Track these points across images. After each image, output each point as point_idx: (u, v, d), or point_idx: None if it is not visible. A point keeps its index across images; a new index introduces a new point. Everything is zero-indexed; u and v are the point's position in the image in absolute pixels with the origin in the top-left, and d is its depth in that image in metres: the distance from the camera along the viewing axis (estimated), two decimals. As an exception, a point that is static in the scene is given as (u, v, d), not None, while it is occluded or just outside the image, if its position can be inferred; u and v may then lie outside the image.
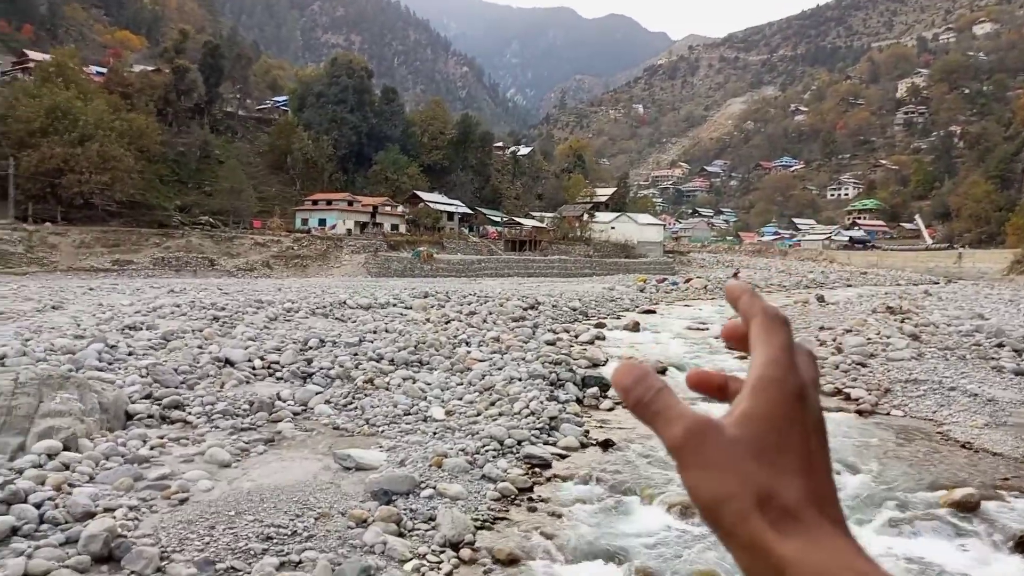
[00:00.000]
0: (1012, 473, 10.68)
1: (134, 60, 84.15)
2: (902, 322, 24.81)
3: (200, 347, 15.56)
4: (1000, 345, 19.46)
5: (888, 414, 14.13)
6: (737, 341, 0.55)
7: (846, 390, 15.73)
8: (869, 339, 21.19)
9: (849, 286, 60.25)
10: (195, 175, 67.59)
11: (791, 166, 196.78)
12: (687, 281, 56.21)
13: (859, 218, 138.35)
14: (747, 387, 0.48)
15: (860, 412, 14.15)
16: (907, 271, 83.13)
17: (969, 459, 11.32)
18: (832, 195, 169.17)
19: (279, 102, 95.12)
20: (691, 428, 0.45)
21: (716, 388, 0.55)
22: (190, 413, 11.62)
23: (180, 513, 7.83)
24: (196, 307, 21.52)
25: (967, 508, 8.93)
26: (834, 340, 21.54)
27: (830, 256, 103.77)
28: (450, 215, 78.90)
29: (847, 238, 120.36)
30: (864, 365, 17.75)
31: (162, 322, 18.41)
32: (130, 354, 14.61)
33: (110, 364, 13.71)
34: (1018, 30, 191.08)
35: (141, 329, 17.23)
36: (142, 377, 12.81)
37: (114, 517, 7.43)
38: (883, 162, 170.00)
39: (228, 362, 14.45)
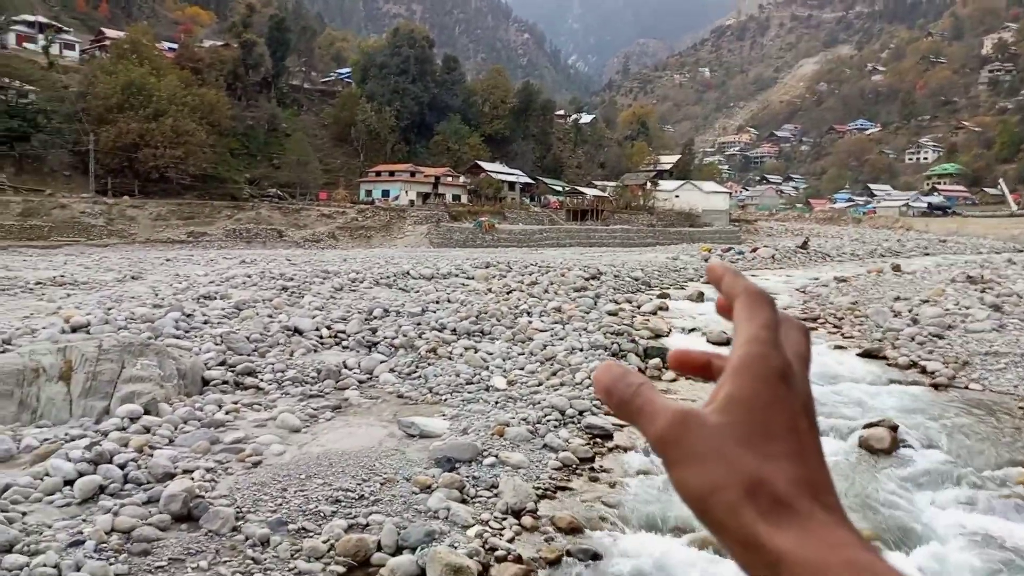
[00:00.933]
0: (1101, 451, 10.15)
1: (204, 35, 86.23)
2: (983, 292, 23.68)
3: (270, 316, 16.04)
4: (1091, 317, 18.40)
5: (966, 388, 13.57)
6: (692, 368, 0.55)
7: (922, 363, 15.17)
8: (947, 310, 20.32)
9: (927, 255, 57.80)
10: (263, 148, 69.19)
11: (867, 129, 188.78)
12: (754, 250, 54.86)
13: (938, 183, 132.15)
14: (729, 368, 0.47)
15: (936, 386, 13.64)
16: (989, 239, 79.16)
17: (1054, 436, 10.81)
18: (910, 159, 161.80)
19: (342, 74, 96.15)
20: (672, 420, 0.44)
21: (700, 367, 0.54)
22: (262, 380, 12.03)
23: (254, 476, 8.15)
24: (266, 277, 22.16)
25: (1051, 487, 8.55)
26: (910, 311, 20.75)
27: (907, 223, 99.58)
28: (511, 185, 78.80)
29: (925, 204, 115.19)
30: (941, 337, 17.07)
31: (234, 292, 19.03)
32: (205, 322, 15.18)
33: (187, 332, 14.28)
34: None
35: (215, 298, 17.86)
36: (216, 345, 13.29)
37: (192, 478, 7.79)
38: (965, 124, 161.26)
39: (297, 331, 14.86)
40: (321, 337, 14.85)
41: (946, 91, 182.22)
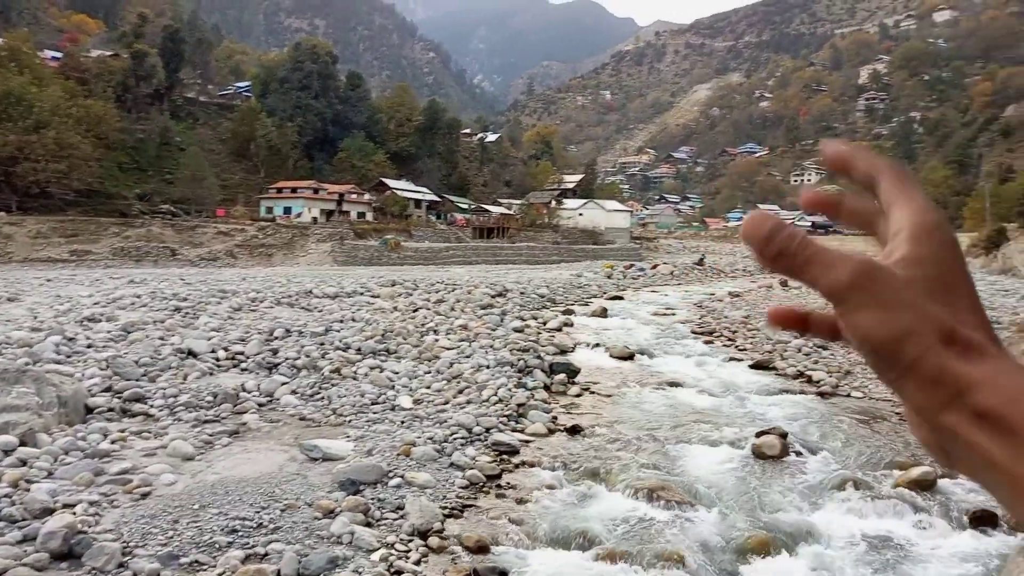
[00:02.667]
0: (966, 451, 10.98)
1: (91, 45, 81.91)
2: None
3: (162, 338, 15.28)
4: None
5: (848, 395, 14.43)
6: (791, 322, 0.52)
7: (808, 372, 16.03)
8: (831, 322, 21.56)
9: (812, 270, 61.16)
10: (155, 163, 66.21)
11: (756, 152, 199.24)
12: (654, 267, 56.69)
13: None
14: (903, 235, 0.46)
15: (821, 394, 14.44)
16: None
17: (926, 438, 11.61)
18: (796, 181, 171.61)
19: (241, 88, 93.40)
20: (859, 269, 0.43)
21: (798, 320, 0.53)
22: (152, 406, 11.42)
23: (143, 507, 7.70)
24: (157, 298, 21.12)
25: (924, 486, 9.17)
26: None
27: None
28: (417, 203, 78.42)
29: (810, 224, 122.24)
30: (825, 348, 18.09)
31: (122, 313, 18.04)
32: (89, 346, 14.30)
33: (68, 357, 13.40)
34: (976, 17, 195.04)
35: (100, 321, 16.87)
36: (102, 370, 12.54)
37: (74, 513, 7.29)
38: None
39: (191, 353, 14.21)
40: (218, 359, 14.26)
41: (827, 117, 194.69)
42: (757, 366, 17.22)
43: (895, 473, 9.69)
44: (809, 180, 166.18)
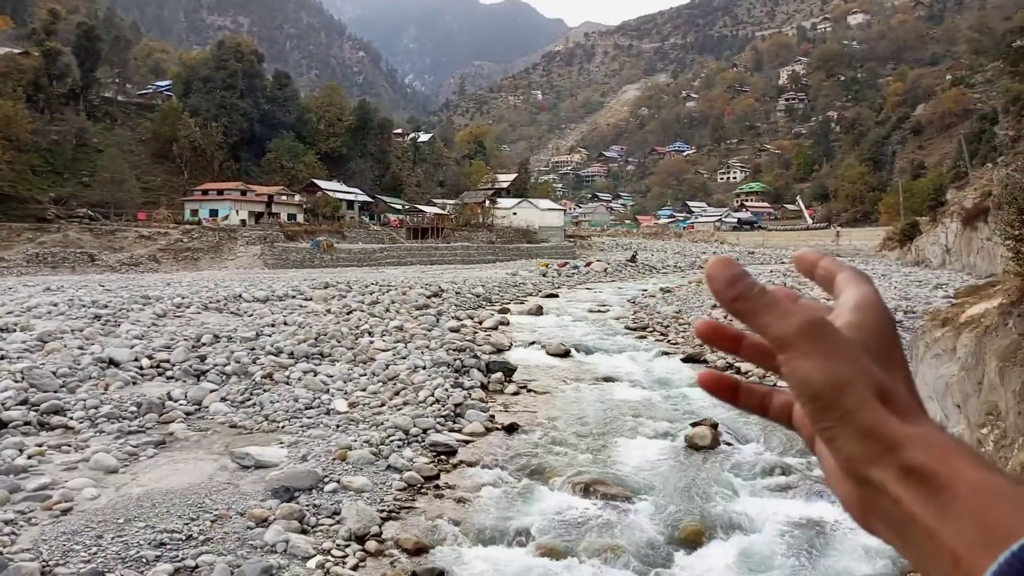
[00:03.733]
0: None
1: (-3, 41, 77.70)
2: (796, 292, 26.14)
3: (81, 348, 14.65)
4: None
5: (775, 386, 14.87)
6: (723, 340, 0.55)
7: (737, 364, 16.50)
8: (758, 315, 22.25)
9: (739, 265, 62.95)
10: (71, 165, 63.32)
11: (684, 151, 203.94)
12: (588, 265, 57.37)
13: (746, 200, 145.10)
14: (848, 305, 0.48)
15: (750, 385, 14.88)
16: (790, 249, 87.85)
17: (847, 424, 12.11)
18: (722, 178, 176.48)
19: (162, 87, 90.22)
20: (811, 319, 0.45)
21: (730, 339, 0.54)
22: (72, 418, 10.93)
23: (63, 524, 7.37)
24: (75, 305, 20.22)
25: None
26: (726, 317, 22.47)
27: (721, 237, 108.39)
28: (350, 204, 77.32)
29: (736, 220, 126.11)
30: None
31: (38, 322, 17.20)
32: (2, 358, 13.57)
33: (-21, 370, 12.70)
34: (887, 20, 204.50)
35: (14, 330, 16.03)
36: (16, 382, 11.92)
37: (-13, 534, 6.92)
38: (767, 147, 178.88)
39: (112, 362, 13.66)
40: (141, 368, 13.76)
41: (750, 117, 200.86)
42: (689, 359, 17.62)
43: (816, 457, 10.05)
44: (734, 178, 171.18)
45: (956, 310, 12.71)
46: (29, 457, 9.21)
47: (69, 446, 9.84)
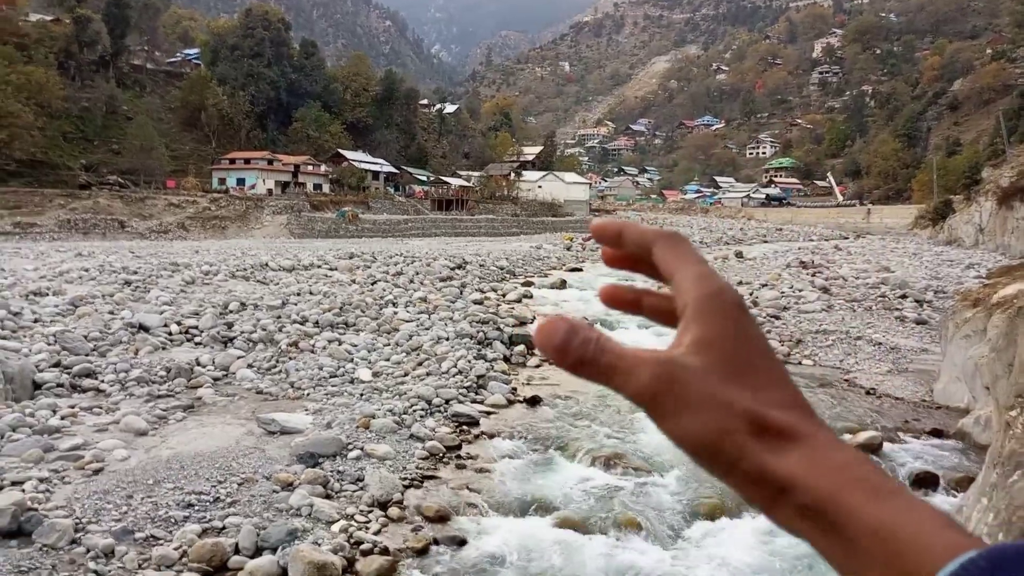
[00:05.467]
0: (912, 416, 11.41)
1: (30, 8, 78.31)
2: (813, 276, 25.90)
3: (112, 313, 14.93)
4: (904, 296, 20.61)
5: (799, 363, 14.81)
6: (623, 304, 0.51)
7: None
8: (783, 292, 22.06)
9: (766, 242, 62.39)
10: (102, 132, 63.95)
11: (712, 125, 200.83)
12: (612, 239, 56.97)
13: (775, 176, 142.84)
14: (689, 311, 0.44)
15: (774, 363, 14.78)
16: (819, 227, 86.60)
17: (872, 404, 12.03)
18: (751, 153, 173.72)
19: (190, 55, 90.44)
20: (657, 373, 0.41)
21: (629, 302, 0.52)
22: (103, 381, 11.19)
23: (95, 483, 7.58)
24: (106, 271, 20.58)
25: (870, 449, 9.51)
26: (751, 294, 22.33)
27: (748, 213, 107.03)
28: (375, 174, 77.41)
29: (764, 196, 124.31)
30: (778, 317, 18.51)
31: (70, 287, 17.55)
32: (36, 321, 13.90)
33: (14, 332, 13.02)
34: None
35: (47, 295, 16.39)
36: (49, 345, 12.22)
37: (23, 490, 7.13)
38: (799, 121, 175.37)
39: (142, 328, 13.92)
40: (170, 333, 14.01)
41: (782, 91, 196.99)
42: (712, 336, 17.52)
43: (843, 437, 9.98)
44: (764, 153, 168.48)
45: (988, 291, 12.46)
46: (62, 418, 9.46)
47: (100, 408, 10.08)
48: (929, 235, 56.76)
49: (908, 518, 0.37)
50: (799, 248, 46.36)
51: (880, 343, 15.63)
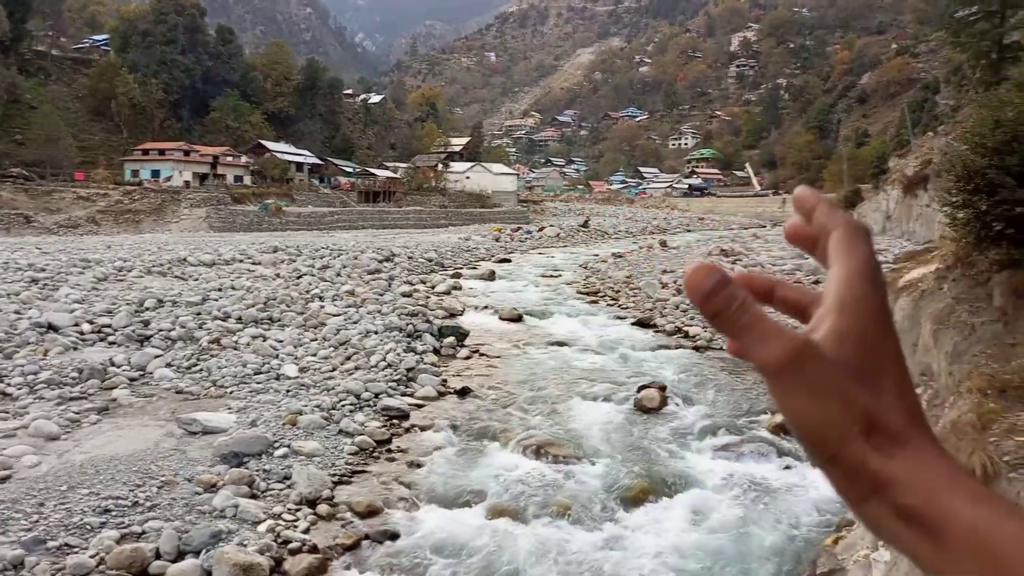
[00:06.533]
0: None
1: (-84, -12, 72.98)
2: (734, 263, 26.75)
3: (17, 312, 14.13)
4: (817, 282, 21.44)
5: (722, 348, 15.20)
6: (803, 241, 0.50)
7: (685, 328, 16.82)
8: (706, 280, 22.66)
9: (689, 231, 64.03)
10: (3, 122, 60.35)
11: (636, 116, 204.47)
12: (541, 230, 57.49)
13: (697, 167, 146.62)
14: (833, 302, 0.45)
15: (697, 348, 15.21)
16: (739, 216, 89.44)
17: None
18: (674, 144, 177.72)
19: (99, 41, 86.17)
20: (790, 349, 0.42)
21: (762, 292, 0.51)
22: (9, 384, 10.58)
23: (2, 492, 7.17)
24: (11, 268, 19.46)
25: (787, 430, 9.88)
26: (675, 282, 22.87)
27: (672, 203, 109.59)
28: (299, 166, 75.61)
29: (687, 186, 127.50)
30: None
31: (-31, 287, 16.52)
32: (-69, 323, 13.03)
33: (-94, 336, 12.17)
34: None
35: (-57, 295, 15.38)
36: (-53, 348, 11.48)
37: (-80, 504, 6.70)
38: (718, 113, 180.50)
39: (51, 327, 13.24)
40: (82, 333, 13.37)
41: (702, 83, 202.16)
42: (639, 324, 17.89)
43: (763, 419, 10.38)
44: (685, 144, 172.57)
45: (895, 275, 13.13)
46: (-36, 425, 8.91)
47: (7, 413, 9.55)
48: (841, 223, 59.20)
49: (1007, 521, 0.38)
50: (720, 237, 47.76)
51: (797, 326, 16.23)
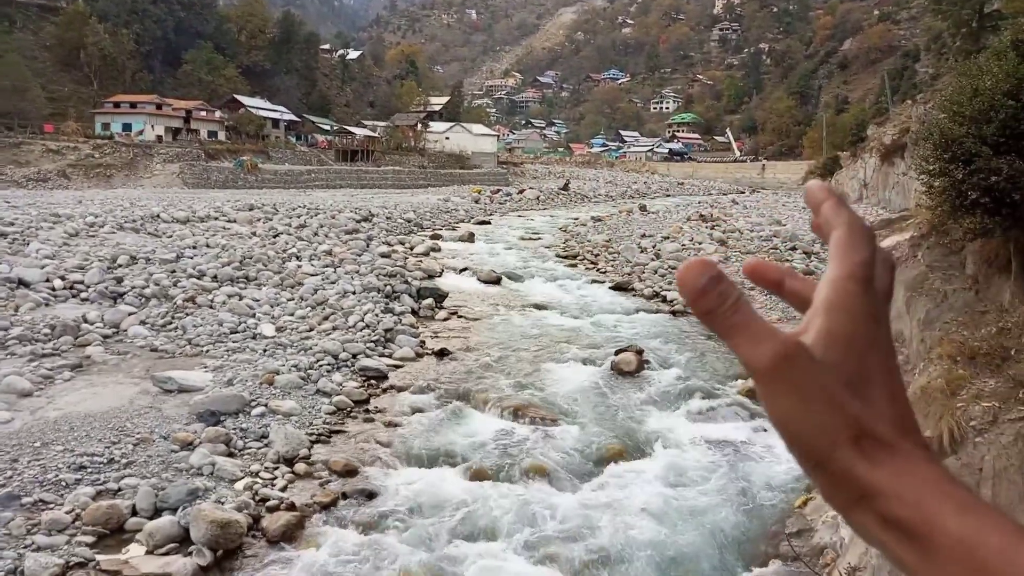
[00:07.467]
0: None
1: None
2: (712, 229, 26.87)
3: (-14, 267, 13.84)
4: (793, 248, 21.70)
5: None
6: (765, 282, 0.50)
7: (663, 293, 16.93)
8: (683, 245, 22.79)
9: (668, 196, 64.05)
10: (-35, 70, 58.29)
11: (618, 79, 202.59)
12: (520, 192, 57.19)
13: (678, 131, 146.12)
14: (822, 303, 0.44)
15: (674, 312, 15.33)
16: (718, 181, 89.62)
17: (764, 350, 12.66)
18: (655, 108, 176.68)
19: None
20: (780, 352, 0.41)
21: (772, 282, 0.51)
22: (-22, 341, 10.42)
23: (-27, 450, 7.11)
24: (-22, 222, 18.99)
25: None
26: (653, 247, 22.96)
27: (652, 167, 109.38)
28: (275, 122, 74.16)
29: (667, 150, 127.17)
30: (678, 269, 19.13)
31: (-65, 240, 16.13)
32: None
33: None
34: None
35: (-92, 249, 15.01)
36: (-86, 303, 11.25)
37: None
38: (700, 77, 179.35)
39: (22, 283, 13.00)
40: (54, 289, 13.15)
41: (684, 46, 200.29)
42: (617, 287, 17.97)
43: (737, 383, 10.54)
44: (667, 108, 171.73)
45: (870, 243, 13.24)
46: (-67, 381, 8.78)
47: (-23, 370, 9.41)
48: (818, 190, 59.52)
49: (994, 532, 0.37)
50: (699, 202, 47.86)
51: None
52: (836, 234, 0.46)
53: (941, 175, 7.08)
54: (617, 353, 11.43)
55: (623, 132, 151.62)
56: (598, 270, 20.66)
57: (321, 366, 10.39)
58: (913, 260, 8.97)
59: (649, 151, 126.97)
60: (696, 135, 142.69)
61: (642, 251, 22.50)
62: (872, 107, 75.28)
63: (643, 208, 40.96)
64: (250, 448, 7.78)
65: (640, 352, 11.43)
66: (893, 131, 29.50)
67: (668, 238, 24.73)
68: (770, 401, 0.42)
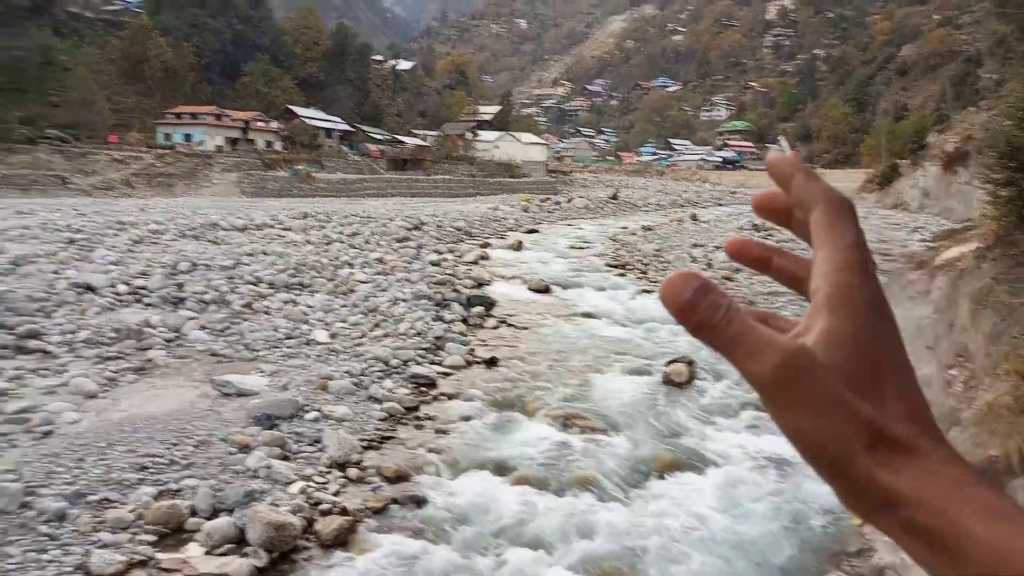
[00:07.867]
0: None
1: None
2: (764, 239, 26.37)
3: (56, 272, 14.44)
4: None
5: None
6: (774, 213, 0.47)
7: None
8: (736, 255, 22.44)
9: (720, 205, 63.24)
10: (37, 84, 60.97)
11: (668, 87, 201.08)
12: (569, 201, 57.15)
13: (729, 139, 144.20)
14: (822, 299, 0.42)
15: (726, 323, 15.09)
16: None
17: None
18: (706, 116, 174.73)
19: (131, 3, 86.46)
20: (782, 362, 0.39)
21: (756, 259, 0.49)
22: (49, 342, 10.85)
23: (44, 447, 7.41)
24: (49, 229, 19.84)
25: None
26: (705, 256, 22.68)
27: (703, 176, 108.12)
28: (328, 132, 75.67)
29: (719, 159, 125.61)
30: (731, 279, 18.88)
31: (11, 245, 16.87)
32: (-27, 281, 13.36)
33: (-50, 293, 12.50)
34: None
35: (-15, 254, 15.73)
36: (-10, 306, 11.77)
37: (-32, 456, 6.94)
38: (752, 84, 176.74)
39: (89, 288, 13.51)
40: (118, 294, 13.63)
41: (736, 53, 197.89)
42: (667, 297, 17.77)
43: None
44: (718, 115, 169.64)
45: (932, 253, 12.87)
46: (8, 381, 9.18)
47: (47, 370, 9.81)
48: (876, 199, 58.17)
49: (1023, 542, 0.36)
50: (752, 211, 47.01)
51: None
52: (817, 213, 0.44)
53: (1008, 184, 6.86)
54: (668, 364, 11.32)
55: (673, 140, 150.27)
56: (648, 280, 20.50)
57: (373, 372, 10.54)
58: (978, 272, 8.67)
59: (700, 160, 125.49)
60: (748, 143, 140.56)
61: (693, 261, 22.25)
62: (933, 114, 73.09)
63: (694, 217, 40.50)
64: (304, 452, 7.93)
65: (691, 363, 11.30)
66: (955, 139, 28.62)
67: (720, 247, 24.40)
68: (779, 415, 0.40)
